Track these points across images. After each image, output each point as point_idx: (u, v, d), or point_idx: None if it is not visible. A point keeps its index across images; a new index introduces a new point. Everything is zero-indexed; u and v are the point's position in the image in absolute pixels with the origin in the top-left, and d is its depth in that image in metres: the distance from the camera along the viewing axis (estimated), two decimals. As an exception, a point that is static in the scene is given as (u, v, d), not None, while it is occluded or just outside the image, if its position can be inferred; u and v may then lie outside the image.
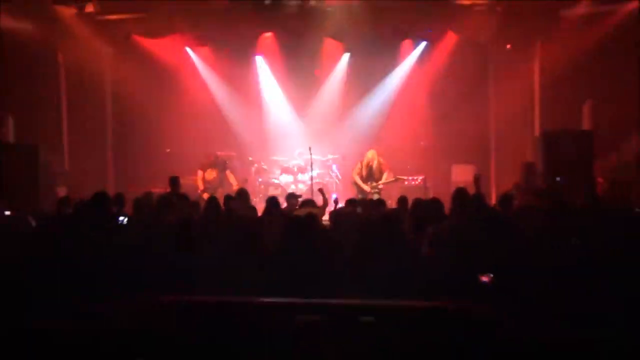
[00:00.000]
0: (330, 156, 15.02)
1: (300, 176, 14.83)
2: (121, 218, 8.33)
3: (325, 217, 9.26)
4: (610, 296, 4.95)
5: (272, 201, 8.67)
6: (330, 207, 9.99)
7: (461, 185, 9.80)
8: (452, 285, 5.32)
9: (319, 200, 10.05)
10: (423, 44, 15.64)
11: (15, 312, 4.87)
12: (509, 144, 15.15)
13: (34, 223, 7.86)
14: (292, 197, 9.92)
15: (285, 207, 9.38)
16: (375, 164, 13.00)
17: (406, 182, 13.97)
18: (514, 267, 5.57)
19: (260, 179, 14.95)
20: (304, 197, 10.25)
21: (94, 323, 4.53)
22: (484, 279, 5.62)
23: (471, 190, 8.45)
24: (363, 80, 15.72)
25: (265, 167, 15.22)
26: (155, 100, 15.37)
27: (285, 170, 15.08)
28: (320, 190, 10.78)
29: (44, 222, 7.46)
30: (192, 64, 16.04)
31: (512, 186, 11.49)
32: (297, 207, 9.22)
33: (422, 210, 7.35)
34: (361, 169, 13.04)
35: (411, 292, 5.01)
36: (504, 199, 8.38)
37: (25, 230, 7.53)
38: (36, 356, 4.33)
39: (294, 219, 6.67)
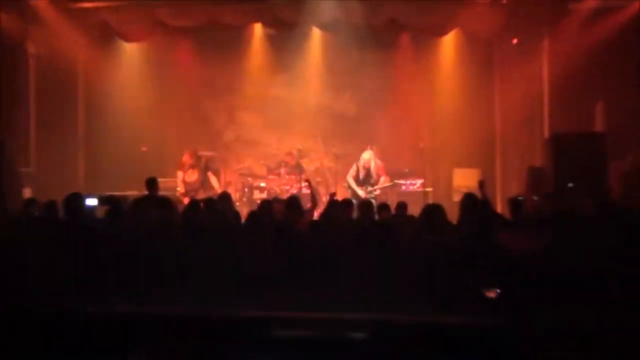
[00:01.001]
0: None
1: (287, 178, 14.57)
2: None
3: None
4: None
5: (262, 209, 8.47)
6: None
7: (464, 190, 9.64)
8: (459, 299, 5.19)
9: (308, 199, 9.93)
10: (422, 38, 15.40)
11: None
12: (516, 146, 15.03)
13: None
14: (276, 200, 9.78)
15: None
16: (372, 166, 12.72)
17: (404, 187, 13.82)
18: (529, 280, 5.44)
19: (244, 181, 14.67)
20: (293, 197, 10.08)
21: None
22: (490, 294, 5.48)
23: (475, 197, 8.29)
24: (355, 75, 15.36)
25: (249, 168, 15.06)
26: (131, 96, 15.17)
27: (271, 172, 14.87)
28: (308, 182, 10.62)
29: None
30: (173, 57, 15.69)
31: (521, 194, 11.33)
32: (282, 210, 9.02)
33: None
34: (357, 172, 12.69)
35: (414, 304, 4.89)
36: (515, 205, 8.14)
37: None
38: None
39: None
